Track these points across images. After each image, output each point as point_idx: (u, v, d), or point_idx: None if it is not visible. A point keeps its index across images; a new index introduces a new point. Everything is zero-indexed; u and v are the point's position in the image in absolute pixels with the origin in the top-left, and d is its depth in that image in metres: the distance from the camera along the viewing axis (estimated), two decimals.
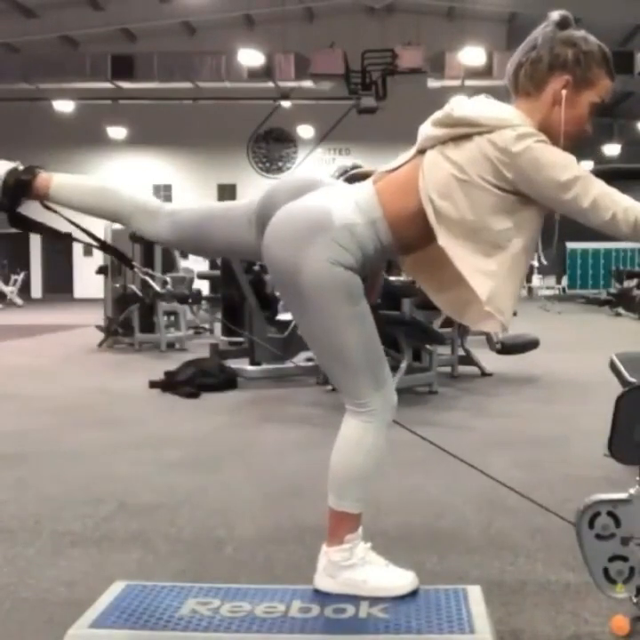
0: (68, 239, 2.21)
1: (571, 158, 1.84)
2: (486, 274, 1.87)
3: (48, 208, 2.16)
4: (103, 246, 2.36)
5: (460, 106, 1.93)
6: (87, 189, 2.14)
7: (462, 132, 1.88)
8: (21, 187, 2.07)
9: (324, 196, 1.95)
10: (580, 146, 1.99)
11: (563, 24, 1.94)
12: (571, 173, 1.80)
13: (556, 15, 1.95)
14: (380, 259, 2.05)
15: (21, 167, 2.09)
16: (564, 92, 1.91)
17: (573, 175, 1.80)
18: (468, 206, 1.86)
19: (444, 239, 1.88)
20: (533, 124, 1.89)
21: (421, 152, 1.97)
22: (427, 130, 1.97)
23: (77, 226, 2.20)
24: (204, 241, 2.14)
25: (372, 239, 1.92)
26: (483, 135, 1.85)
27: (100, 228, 11.85)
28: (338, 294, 1.88)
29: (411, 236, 1.94)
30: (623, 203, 1.80)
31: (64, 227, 2.23)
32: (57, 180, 2.10)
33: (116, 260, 2.58)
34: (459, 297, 1.94)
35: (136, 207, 2.11)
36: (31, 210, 2.13)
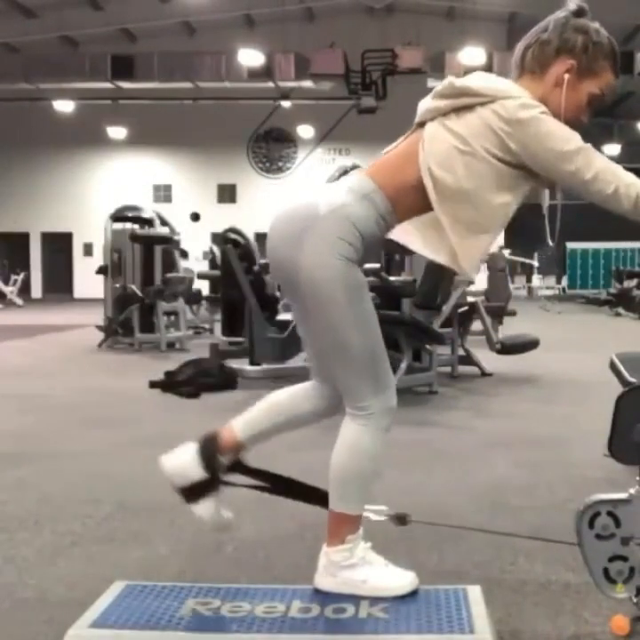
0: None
1: (574, 132, 1.84)
2: (474, 245, 1.88)
3: (239, 470, 2.19)
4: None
5: (461, 78, 1.93)
6: (264, 413, 2.16)
7: (464, 102, 1.88)
8: (211, 450, 2.10)
9: (313, 193, 1.96)
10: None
11: (578, 13, 1.94)
12: (574, 145, 1.81)
13: (572, 4, 1.95)
14: (381, 233, 1.97)
15: (201, 440, 2.12)
16: (566, 75, 1.91)
17: (577, 147, 1.81)
18: (468, 178, 1.86)
19: (440, 209, 1.87)
20: (531, 95, 1.90)
21: (421, 125, 1.96)
22: (427, 103, 1.96)
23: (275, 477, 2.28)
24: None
25: (370, 214, 1.89)
26: (485, 106, 1.85)
27: (100, 228, 11.84)
28: (338, 291, 1.86)
29: (412, 205, 1.91)
30: (626, 178, 1.80)
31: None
32: (237, 424, 2.14)
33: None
34: (437, 239, 1.92)
35: (304, 399, 2.14)
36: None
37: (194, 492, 2.10)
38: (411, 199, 1.91)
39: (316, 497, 2.15)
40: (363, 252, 1.90)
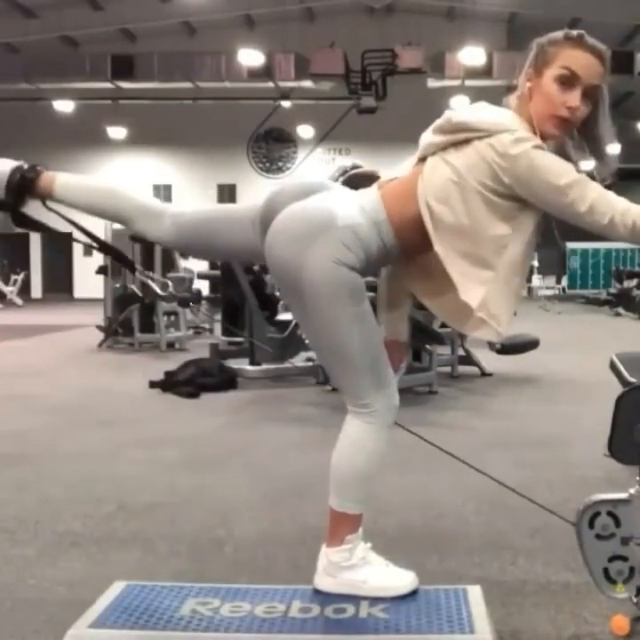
0: (68, 239, 2.20)
1: (567, 164, 1.85)
2: (479, 280, 1.89)
3: (49, 208, 2.16)
4: (103, 247, 2.35)
5: (458, 112, 1.95)
6: (91, 189, 2.13)
7: (462, 137, 1.90)
8: (25, 185, 2.06)
9: (329, 198, 1.96)
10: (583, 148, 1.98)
11: (566, 36, 1.94)
12: (568, 178, 1.81)
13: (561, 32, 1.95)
14: (383, 262, 2.05)
15: (26, 166, 2.09)
16: (528, 84, 1.93)
17: (570, 179, 1.81)
18: (464, 211, 1.87)
19: (439, 245, 1.90)
20: (525, 122, 1.90)
21: (423, 160, 1.98)
22: (427, 137, 1.99)
23: (78, 226, 2.19)
24: (206, 243, 2.13)
25: (376, 241, 1.93)
26: (482, 139, 1.86)
27: (101, 228, 11.85)
28: (340, 293, 1.88)
29: (413, 240, 1.95)
30: (620, 206, 1.80)
31: (65, 227, 2.23)
32: (61, 179, 2.09)
33: (117, 262, 2.57)
34: (455, 302, 1.94)
35: (139, 208, 2.10)
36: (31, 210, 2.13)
37: None
38: (411, 232, 1.93)
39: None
40: (362, 269, 1.93)
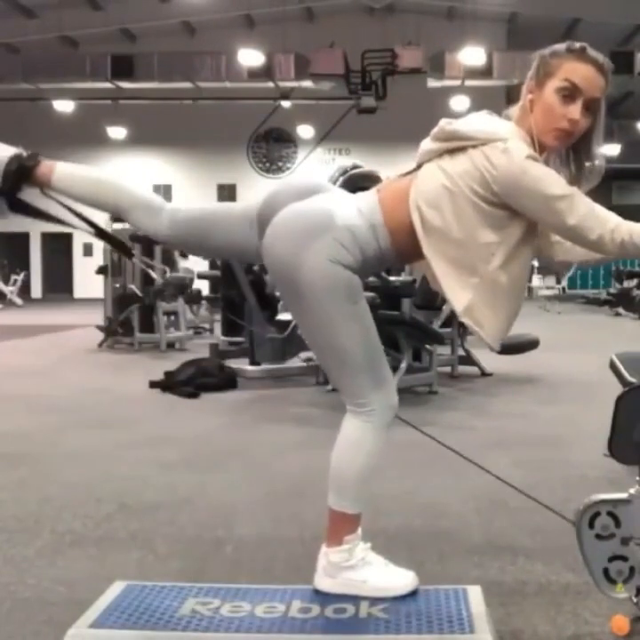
0: (64, 224, 2.19)
1: (558, 177, 1.85)
2: (465, 286, 1.90)
3: (47, 196, 2.15)
4: (100, 233, 2.32)
5: (452, 121, 1.97)
6: (89, 180, 2.13)
7: (455, 145, 1.92)
8: (24, 172, 2.07)
9: (328, 200, 1.98)
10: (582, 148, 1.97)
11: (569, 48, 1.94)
12: (559, 190, 1.82)
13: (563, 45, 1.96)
14: (378, 265, 2.07)
15: (25, 154, 2.09)
16: (529, 96, 1.94)
17: (561, 191, 1.82)
18: (454, 217, 1.88)
19: (427, 248, 1.91)
20: (524, 133, 1.92)
21: (420, 167, 2.00)
22: (425, 145, 2.01)
23: (76, 212, 2.18)
24: (203, 240, 2.14)
25: (372, 243, 1.94)
26: (476, 148, 1.88)
27: (101, 225, 11.80)
28: (337, 293, 1.90)
29: (407, 245, 1.96)
30: (609, 223, 1.81)
31: (64, 228, 2.22)
32: (60, 168, 2.10)
33: (116, 252, 2.57)
34: None
35: (137, 201, 2.10)
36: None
37: None
38: (405, 236, 1.94)
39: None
40: (361, 270, 1.94)
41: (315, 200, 1.97)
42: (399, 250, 1.98)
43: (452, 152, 1.92)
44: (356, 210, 1.95)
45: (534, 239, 1.95)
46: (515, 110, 1.99)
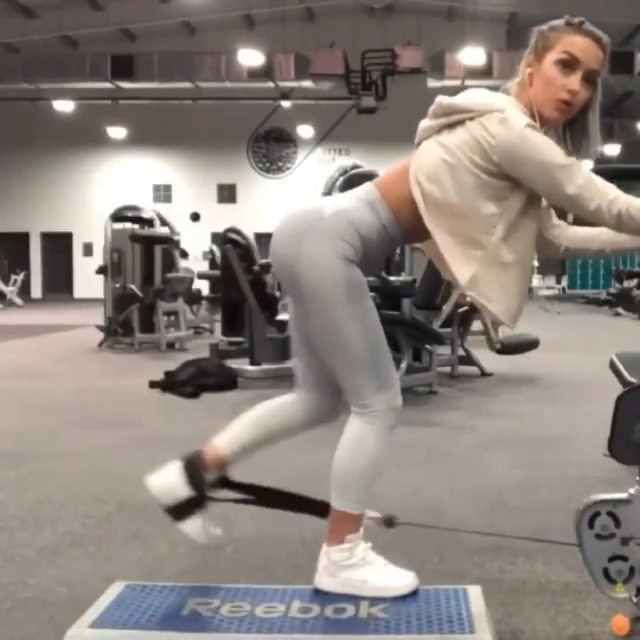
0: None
1: (557, 147, 1.86)
2: (469, 258, 1.91)
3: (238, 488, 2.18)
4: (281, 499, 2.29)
5: (451, 97, 1.98)
6: (248, 430, 2.17)
7: (454, 119, 1.92)
8: (199, 470, 2.12)
9: (320, 200, 2.05)
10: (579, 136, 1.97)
11: (567, 22, 1.96)
12: (558, 159, 1.83)
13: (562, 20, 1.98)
14: (386, 247, 2.04)
15: (185, 458, 2.16)
16: (528, 70, 1.95)
17: (561, 161, 1.83)
18: (454, 189, 1.89)
19: (429, 222, 1.92)
20: (522, 106, 1.92)
21: (419, 145, 2.02)
22: (423, 123, 2.03)
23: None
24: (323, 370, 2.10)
25: (373, 222, 1.94)
26: (474, 119, 1.89)
27: (100, 228, 11.83)
28: (338, 287, 1.90)
29: (411, 221, 1.96)
30: (609, 194, 1.82)
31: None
32: (221, 442, 2.15)
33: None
34: None
35: (287, 411, 2.15)
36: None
37: (181, 511, 2.12)
38: (408, 212, 1.95)
39: (308, 506, 2.17)
40: (363, 257, 1.93)
41: (307, 202, 2.02)
42: (403, 226, 1.98)
43: (450, 127, 1.93)
44: (352, 197, 1.99)
45: (537, 212, 1.95)
46: (512, 86, 1.99)
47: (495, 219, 1.89)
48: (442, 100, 1.97)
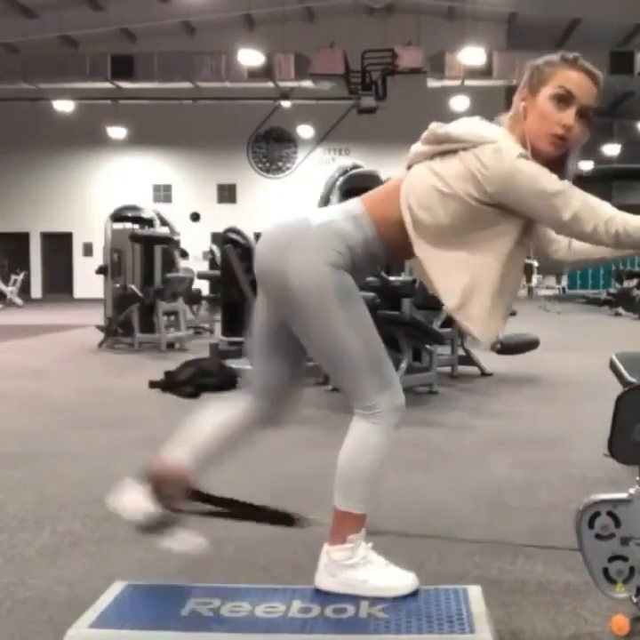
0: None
1: (551, 174, 1.86)
2: (458, 283, 1.92)
3: (204, 499, 2.19)
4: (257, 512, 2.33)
5: (443, 124, 1.99)
6: (209, 441, 2.19)
7: (446, 147, 1.93)
8: (160, 483, 2.14)
9: (305, 211, 2.03)
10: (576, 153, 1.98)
11: (562, 57, 1.97)
12: (551, 187, 1.84)
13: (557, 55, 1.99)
14: (371, 261, 2.05)
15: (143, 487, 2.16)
16: (522, 103, 1.96)
17: (554, 188, 1.84)
18: (445, 217, 1.91)
19: (418, 247, 1.94)
20: (515, 139, 1.93)
21: (410, 168, 2.03)
22: (415, 148, 2.03)
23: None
24: (284, 364, 2.13)
25: (357, 235, 1.95)
26: (467, 150, 1.89)
27: (100, 228, 11.82)
28: (327, 292, 1.91)
29: (396, 240, 1.98)
30: (605, 214, 1.83)
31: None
32: (182, 459, 2.15)
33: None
34: None
35: (236, 413, 2.18)
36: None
37: (153, 527, 2.12)
38: (395, 231, 1.97)
39: (277, 518, 2.21)
40: (351, 266, 1.94)
41: (291, 215, 2.03)
42: (387, 243, 1.99)
43: (442, 154, 1.95)
44: (336, 210, 2.02)
45: (527, 238, 1.97)
46: (505, 119, 2.01)
47: (485, 246, 1.91)
48: (436, 127, 1.98)
